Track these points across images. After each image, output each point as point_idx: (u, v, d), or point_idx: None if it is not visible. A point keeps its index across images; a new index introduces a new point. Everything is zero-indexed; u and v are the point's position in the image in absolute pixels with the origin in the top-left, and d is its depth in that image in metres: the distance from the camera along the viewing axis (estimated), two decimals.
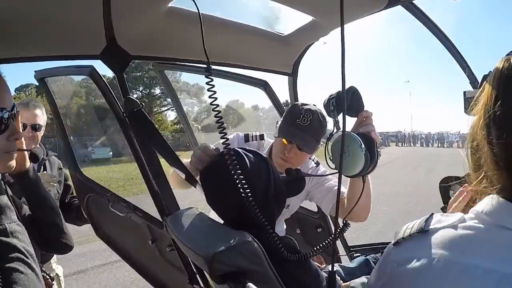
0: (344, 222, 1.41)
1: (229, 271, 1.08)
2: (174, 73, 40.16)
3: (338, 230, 1.33)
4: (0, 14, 1.38)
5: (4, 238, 0.92)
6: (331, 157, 1.33)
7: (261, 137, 2.10)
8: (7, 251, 0.91)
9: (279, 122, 1.93)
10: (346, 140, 1.27)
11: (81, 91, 37.61)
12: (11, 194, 1.29)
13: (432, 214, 0.79)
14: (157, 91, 42.66)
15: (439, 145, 50.45)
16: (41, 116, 2.44)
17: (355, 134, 1.27)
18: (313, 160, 2.15)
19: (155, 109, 42.41)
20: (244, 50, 2.19)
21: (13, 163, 1.17)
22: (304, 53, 2.35)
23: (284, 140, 1.86)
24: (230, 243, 1.10)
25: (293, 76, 2.51)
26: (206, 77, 1.22)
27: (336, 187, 1.65)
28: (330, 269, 0.73)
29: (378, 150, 1.32)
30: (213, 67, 2.22)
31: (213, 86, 1.25)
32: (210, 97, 1.26)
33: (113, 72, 1.72)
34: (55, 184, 2.45)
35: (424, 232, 0.74)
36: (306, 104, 1.87)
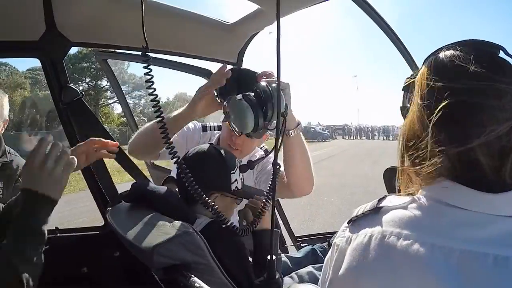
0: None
1: (172, 264, 1.05)
2: (122, 64, 39.04)
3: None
4: None
5: None
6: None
7: (219, 128, 2.04)
8: None
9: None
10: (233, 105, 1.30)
11: (25, 83, 35.80)
12: None
13: (385, 195, 0.81)
14: (104, 83, 41.23)
15: (385, 138, 52.35)
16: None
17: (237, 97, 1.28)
18: (261, 148, 2.10)
19: (102, 102, 40.97)
20: (188, 38, 2.13)
21: None
22: (249, 42, 2.32)
23: (230, 126, 1.81)
24: (170, 235, 1.07)
25: (238, 65, 2.45)
26: (144, 61, 1.16)
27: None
28: (269, 257, 0.71)
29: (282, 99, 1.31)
30: (157, 55, 2.17)
31: (151, 70, 1.18)
32: (148, 86, 1.20)
33: (52, 59, 1.63)
34: None
35: (377, 210, 0.77)
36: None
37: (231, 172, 1.42)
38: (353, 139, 55.97)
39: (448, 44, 0.75)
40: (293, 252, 2.31)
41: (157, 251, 1.02)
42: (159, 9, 1.80)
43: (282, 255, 2.02)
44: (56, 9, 1.48)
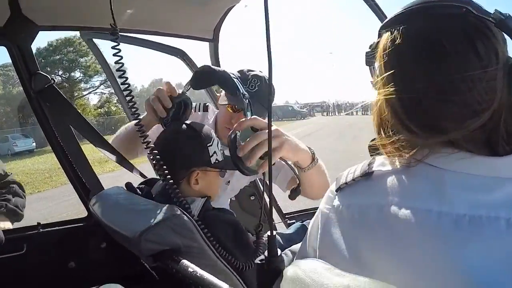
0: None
1: (161, 250, 1.00)
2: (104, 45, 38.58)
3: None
4: None
5: None
6: None
7: (205, 107, 1.97)
8: None
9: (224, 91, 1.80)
10: None
11: None
12: None
13: (375, 157, 0.76)
14: (78, 74, 40.42)
15: (363, 113, 52.74)
16: None
17: None
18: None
19: (77, 94, 40.18)
20: (159, 15, 2.01)
21: None
22: (224, 17, 2.21)
23: (229, 108, 1.75)
24: (157, 219, 1.02)
25: (214, 42, 2.37)
26: (112, 41, 1.10)
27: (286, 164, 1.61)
28: (269, 233, 0.67)
29: None
30: (127, 34, 2.07)
31: (120, 50, 1.13)
32: (117, 69, 1.14)
33: (19, 45, 1.54)
34: None
35: (368, 175, 0.72)
36: (252, 70, 1.77)
37: (208, 144, 1.34)
38: (332, 115, 56.19)
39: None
40: (282, 229, 2.29)
41: (144, 237, 0.97)
42: None
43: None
44: None
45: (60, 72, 39.16)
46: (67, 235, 1.82)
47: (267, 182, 0.75)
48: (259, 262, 0.69)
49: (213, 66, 1.38)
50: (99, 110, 39.51)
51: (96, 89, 42.63)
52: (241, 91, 1.29)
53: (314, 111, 59.83)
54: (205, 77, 1.40)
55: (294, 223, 2.27)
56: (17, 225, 2.02)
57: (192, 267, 0.89)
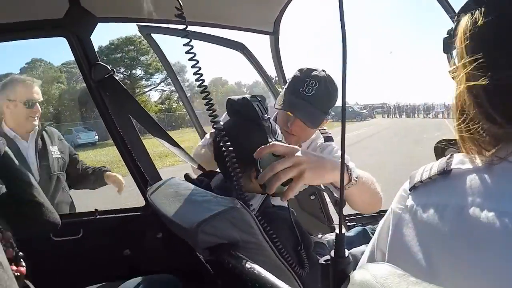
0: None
1: (218, 243, 0.95)
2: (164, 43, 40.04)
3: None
4: None
5: None
6: None
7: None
8: None
9: (283, 89, 1.74)
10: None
11: (61, 76, 36.99)
12: None
13: (452, 153, 0.69)
14: (139, 72, 42.11)
15: (425, 115, 50.92)
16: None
17: None
18: (323, 135, 1.90)
19: (138, 90, 41.86)
20: (218, 7, 1.97)
21: None
22: (285, 9, 2.11)
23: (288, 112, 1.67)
24: (215, 210, 0.97)
25: (274, 35, 2.29)
26: (184, 37, 1.07)
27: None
28: (337, 231, 0.60)
29: None
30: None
31: (192, 47, 1.09)
32: (192, 65, 1.09)
33: (78, 36, 1.57)
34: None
35: (446, 173, 0.65)
36: (313, 70, 1.66)
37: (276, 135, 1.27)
38: (393, 117, 54.65)
39: None
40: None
41: (201, 228, 0.92)
42: None
43: (332, 234, 1.90)
44: None
45: (122, 70, 40.97)
46: (123, 223, 1.85)
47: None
48: (324, 262, 0.62)
49: (233, 98, 1.32)
50: (160, 106, 40.84)
51: (157, 86, 44.19)
52: (262, 115, 1.22)
53: (374, 112, 58.65)
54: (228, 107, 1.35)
55: (354, 225, 2.17)
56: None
57: (250, 263, 0.84)
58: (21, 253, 1.19)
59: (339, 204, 0.61)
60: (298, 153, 1.08)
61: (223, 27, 2.15)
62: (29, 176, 1.37)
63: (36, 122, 2.35)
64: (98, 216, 1.80)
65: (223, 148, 1.08)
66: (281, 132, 1.52)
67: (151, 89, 44.08)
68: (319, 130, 1.85)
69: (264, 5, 2.03)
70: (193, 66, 1.09)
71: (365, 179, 1.33)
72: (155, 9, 1.78)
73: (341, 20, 0.57)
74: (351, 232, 1.94)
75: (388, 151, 14.09)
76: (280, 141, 1.19)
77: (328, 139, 1.87)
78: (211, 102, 1.10)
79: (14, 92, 2.22)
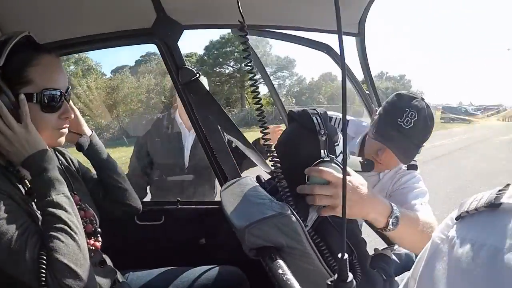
0: None
1: (264, 245, 1.01)
2: (264, 46, 40.58)
3: None
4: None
5: (51, 209, 1.02)
6: None
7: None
8: (53, 221, 1.01)
9: (378, 111, 1.65)
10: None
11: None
12: (67, 165, 1.44)
13: (509, 184, 0.61)
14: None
15: None
16: None
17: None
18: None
19: (247, 83, 43.16)
20: (302, 9, 1.95)
21: (62, 140, 1.25)
22: (368, 9, 2.00)
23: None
24: (265, 214, 1.03)
25: (360, 36, 2.20)
26: (242, 36, 1.13)
27: (417, 204, 1.52)
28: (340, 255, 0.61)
29: None
30: (275, 30, 2.11)
31: (248, 47, 1.14)
32: (246, 65, 1.16)
33: (166, 43, 1.71)
34: None
35: (494, 207, 0.58)
36: (413, 98, 1.55)
37: (335, 144, 1.25)
38: (508, 121, 49.17)
39: None
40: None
41: (249, 230, 1.00)
42: None
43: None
44: None
45: (232, 64, 42.49)
46: (202, 214, 2.00)
47: None
48: (329, 283, 0.63)
49: (294, 109, 1.33)
50: (270, 99, 41.66)
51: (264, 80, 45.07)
52: (319, 129, 1.20)
53: (489, 114, 53.46)
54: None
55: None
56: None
57: (283, 269, 0.88)
58: (99, 229, 1.34)
59: (341, 227, 0.61)
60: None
61: (308, 30, 2.15)
62: (115, 165, 1.56)
63: None
64: (179, 206, 1.96)
65: (273, 160, 1.15)
66: (369, 158, 1.51)
67: (260, 83, 45.10)
68: None
69: (347, 6, 1.98)
70: (249, 72, 1.19)
71: (410, 221, 1.27)
72: (237, 14, 1.85)
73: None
74: (398, 256, 1.80)
75: (500, 158, 12.76)
76: (336, 163, 1.18)
77: (412, 167, 1.73)
78: (261, 107, 1.19)
79: None
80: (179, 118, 2.85)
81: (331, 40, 2.39)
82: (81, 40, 1.75)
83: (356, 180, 1.15)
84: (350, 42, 2.31)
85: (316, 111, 1.24)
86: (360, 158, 1.35)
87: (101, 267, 1.34)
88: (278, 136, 1.33)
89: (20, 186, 1.11)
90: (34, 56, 1.14)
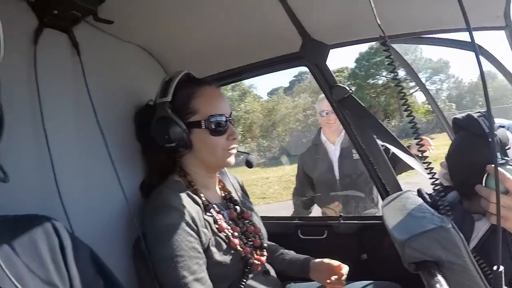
0: None
1: (424, 260, 1.02)
2: (414, 51, 38.41)
3: None
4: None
5: None
6: None
7: None
8: None
9: None
10: None
11: None
12: (241, 185, 1.68)
13: None
14: (402, 73, 41.05)
15: None
16: None
17: None
18: None
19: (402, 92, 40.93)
20: (446, 12, 1.81)
21: (232, 159, 1.41)
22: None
23: None
24: (425, 228, 1.04)
25: (509, 29, 1.86)
26: (384, 51, 1.15)
27: None
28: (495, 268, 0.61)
29: None
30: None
31: (392, 60, 1.15)
32: (393, 78, 1.18)
33: (316, 64, 1.80)
34: None
35: None
36: None
37: (506, 148, 1.19)
38: None
39: None
40: None
41: (408, 244, 1.02)
42: None
43: None
44: (303, 21, 1.59)
45: (384, 73, 40.82)
46: (364, 229, 2.02)
47: None
48: None
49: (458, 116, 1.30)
50: (427, 106, 38.78)
51: (419, 88, 42.13)
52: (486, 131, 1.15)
53: None
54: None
55: None
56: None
57: (441, 284, 0.88)
58: (265, 244, 1.46)
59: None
60: None
61: (454, 31, 2.02)
62: None
63: (340, 129, 2.92)
64: (341, 221, 2.02)
65: (430, 173, 1.12)
66: None
67: (416, 90, 42.43)
68: None
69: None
70: (393, 78, 1.20)
71: None
72: (367, 28, 1.83)
73: None
74: None
75: None
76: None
77: None
78: (413, 119, 1.15)
79: (317, 105, 3.13)
80: (323, 136, 3.06)
81: (480, 37, 2.16)
82: (237, 71, 1.97)
83: None
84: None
85: (481, 113, 1.21)
86: None
87: (265, 276, 1.46)
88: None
89: None
90: (196, 89, 1.35)
